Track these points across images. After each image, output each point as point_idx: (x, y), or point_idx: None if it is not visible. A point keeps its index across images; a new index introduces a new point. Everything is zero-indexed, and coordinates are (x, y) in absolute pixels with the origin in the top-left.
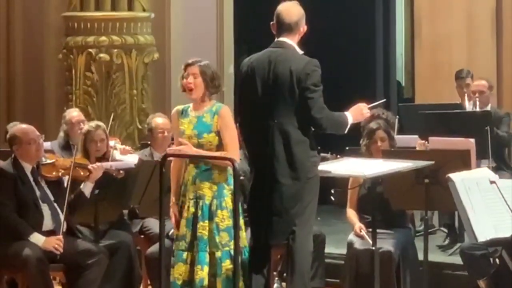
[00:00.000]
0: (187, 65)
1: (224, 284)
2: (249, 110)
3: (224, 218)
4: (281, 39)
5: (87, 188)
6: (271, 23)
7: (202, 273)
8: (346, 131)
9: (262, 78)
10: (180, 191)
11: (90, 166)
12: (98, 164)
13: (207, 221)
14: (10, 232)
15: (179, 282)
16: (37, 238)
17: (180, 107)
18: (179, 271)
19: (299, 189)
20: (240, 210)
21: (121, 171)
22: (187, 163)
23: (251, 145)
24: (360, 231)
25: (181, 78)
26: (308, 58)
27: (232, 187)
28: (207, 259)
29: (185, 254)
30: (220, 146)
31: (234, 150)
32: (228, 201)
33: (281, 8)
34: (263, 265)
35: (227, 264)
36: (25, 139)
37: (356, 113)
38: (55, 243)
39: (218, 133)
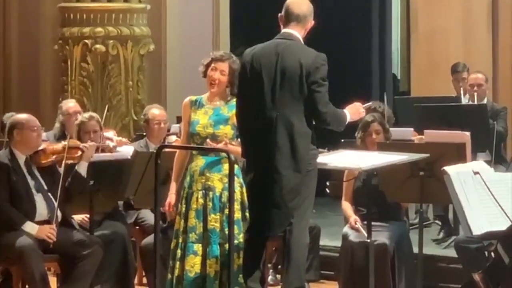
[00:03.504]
0: (218, 60)
1: (231, 276)
2: (252, 99)
3: (234, 210)
4: (288, 30)
5: (82, 167)
6: (279, 14)
7: (217, 266)
8: (343, 129)
9: (268, 69)
10: (184, 182)
11: (82, 146)
12: (90, 143)
13: (218, 214)
14: (3, 221)
15: (191, 274)
16: (30, 227)
17: (193, 97)
18: (190, 263)
19: (299, 182)
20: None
21: (114, 146)
22: (195, 154)
23: (251, 135)
24: (355, 224)
25: (206, 65)
26: (316, 52)
27: (241, 179)
28: (219, 251)
29: (196, 246)
30: (233, 140)
31: None
32: (237, 193)
33: (292, 1)
34: (258, 257)
35: (234, 257)
36: (28, 125)
37: (354, 111)
38: (48, 232)
39: (234, 126)
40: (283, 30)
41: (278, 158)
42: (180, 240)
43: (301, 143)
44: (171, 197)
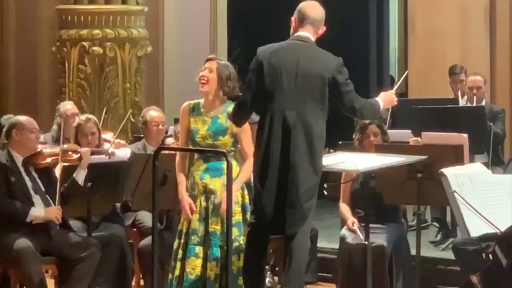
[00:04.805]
0: (207, 60)
1: (231, 278)
2: (268, 99)
3: (234, 213)
4: (302, 33)
5: (80, 175)
6: (292, 18)
7: (217, 269)
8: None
9: (289, 69)
10: (187, 184)
11: (79, 150)
12: (86, 148)
13: (219, 216)
14: (8, 216)
15: (192, 276)
16: (37, 212)
17: (191, 103)
18: (192, 265)
19: (315, 183)
20: (248, 206)
21: (112, 152)
22: (196, 158)
23: (266, 133)
24: (353, 226)
25: (201, 72)
26: (333, 56)
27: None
28: (219, 254)
29: (197, 248)
30: (234, 147)
31: (251, 152)
32: (238, 195)
33: (306, 4)
34: (260, 258)
35: (234, 259)
36: (28, 126)
37: (387, 99)
38: (57, 213)
39: (232, 135)
40: (299, 33)
41: (296, 158)
42: (182, 241)
43: (318, 144)
44: (187, 199)
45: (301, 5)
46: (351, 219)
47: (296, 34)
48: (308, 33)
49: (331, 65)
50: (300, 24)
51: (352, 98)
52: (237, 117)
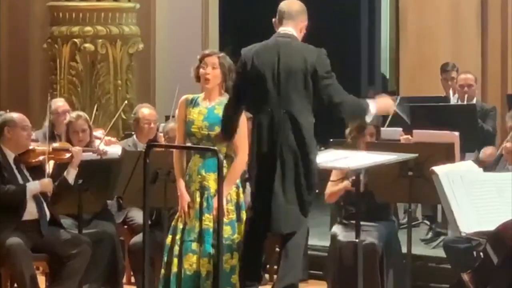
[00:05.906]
0: (206, 56)
1: (223, 277)
2: (255, 99)
3: (228, 211)
4: (284, 28)
5: (70, 174)
6: (273, 20)
7: (209, 266)
8: (367, 119)
9: (271, 66)
10: (185, 182)
11: (71, 149)
12: (78, 148)
13: (212, 213)
14: (7, 200)
15: (190, 273)
16: (33, 187)
17: (189, 96)
18: (189, 262)
19: (312, 178)
20: (243, 204)
21: (103, 150)
22: (192, 154)
23: (256, 134)
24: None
25: (196, 68)
26: (315, 48)
27: (237, 180)
28: (211, 251)
29: (194, 245)
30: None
31: (244, 147)
32: (233, 194)
33: (282, 2)
34: (259, 255)
35: (227, 258)
36: (20, 124)
37: (383, 105)
38: (50, 184)
39: None
40: (280, 29)
41: (287, 155)
42: (178, 237)
43: (309, 140)
44: (185, 197)
45: (279, 5)
46: (345, 182)
47: (279, 31)
48: (289, 28)
49: (311, 57)
50: (280, 22)
51: (333, 93)
52: (225, 132)
